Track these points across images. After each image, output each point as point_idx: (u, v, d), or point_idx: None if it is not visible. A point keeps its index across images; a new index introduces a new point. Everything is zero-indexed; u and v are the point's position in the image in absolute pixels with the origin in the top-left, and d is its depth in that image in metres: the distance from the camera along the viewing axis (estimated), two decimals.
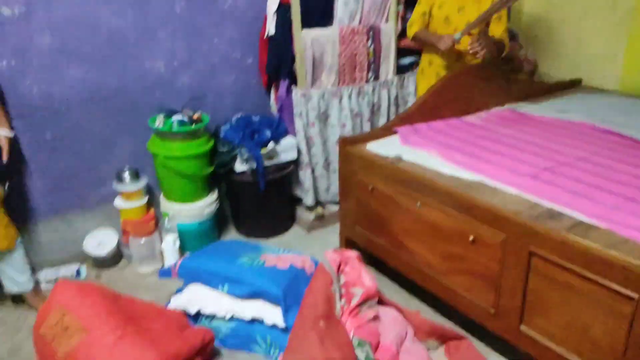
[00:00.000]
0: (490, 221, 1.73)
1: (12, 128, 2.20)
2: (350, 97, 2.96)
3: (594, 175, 1.91)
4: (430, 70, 2.79)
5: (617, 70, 3.36)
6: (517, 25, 3.80)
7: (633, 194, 1.76)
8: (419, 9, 2.67)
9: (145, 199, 2.63)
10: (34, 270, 2.34)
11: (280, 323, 1.92)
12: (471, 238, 1.80)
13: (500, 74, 3.05)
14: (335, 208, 3.03)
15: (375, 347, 1.82)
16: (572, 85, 3.35)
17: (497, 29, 2.57)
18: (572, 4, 3.53)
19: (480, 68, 2.96)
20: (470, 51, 2.40)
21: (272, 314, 1.94)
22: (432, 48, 2.66)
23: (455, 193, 1.86)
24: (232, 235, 2.97)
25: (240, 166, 2.69)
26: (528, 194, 1.79)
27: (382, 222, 2.25)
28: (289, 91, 2.90)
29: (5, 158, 2.11)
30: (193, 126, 2.53)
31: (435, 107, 2.62)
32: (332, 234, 2.82)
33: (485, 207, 1.74)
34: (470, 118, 2.67)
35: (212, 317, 2.04)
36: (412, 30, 2.70)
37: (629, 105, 2.90)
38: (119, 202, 2.60)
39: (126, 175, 2.56)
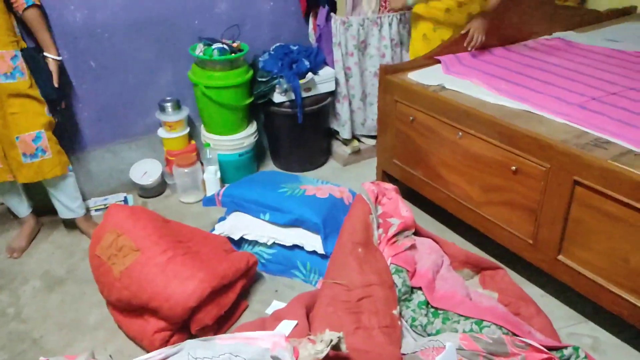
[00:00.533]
0: (534, 150, 1.71)
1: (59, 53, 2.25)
2: (390, 25, 2.87)
3: None
4: (435, 36, 2.54)
5: None
6: None
7: None
8: None
9: (187, 130, 2.68)
10: (83, 198, 2.46)
11: (320, 250, 1.99)
12: (513, 168, 1.79)
13: (549, 0, 2.90)
14: (371, 142, 3.03)
15: (412, 275, 1.88)
16: (625, 13, 3.15)
17: None
18: None
19: None
20: (470, 49, 2.38)
21: (312, 241, 2.01)
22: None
23: (499, 122, 1.83)
24: (270, 168, 3.02)
25: (279, 97, 2.69)
26: (575, 123, 1.75)
27: (421, 154, 2.25)
28: (328, 19, 2.83)
29: (56, 82, 2.17)
30: (233, 55, 2.53)
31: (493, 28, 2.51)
32: (368, 169, 2.84)
33: (530, 136, 1.72)
34: (517, 47, 2.57)
35: (254, 243, 2.12)
36: None
37: None
38: (162, 132, 2.66)
39: (168, 105, 2.60)
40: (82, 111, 2.55)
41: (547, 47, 2.56)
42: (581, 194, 1.60)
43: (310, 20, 2.98)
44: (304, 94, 2.74)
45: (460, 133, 2.00)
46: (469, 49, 2.41)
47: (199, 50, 2.53)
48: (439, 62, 2.37)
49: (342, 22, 2.75)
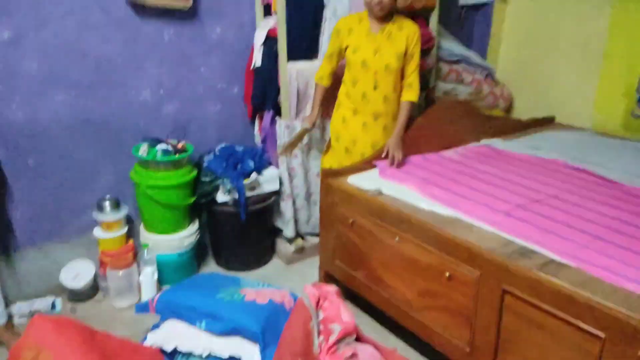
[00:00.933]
0: (465, 258, 1.78)
1: None
2: None
3: (565, 213, 1.98)
4: (355, 121, 2.62)
5: (589, 108, 3.49)
6: (494, 62, 3.94)
7: (602, 233, 1.83)
8: (327, 51, 2.60)
9: (124, 229, 2.62)
10: (7, 303, 2.29)
11: None
12: (447, 274, 1.84)
13: (477, 110, 3.16)
14: (315, 240, 3.05)
15: None
16: (546, 123, 3.47)
17: (409, 68, 2.55)
18: (546, 43, 3.68)
19: (457, 105, 3.07)
20: (395, 166, 2.46)
21: (250, 351, 1.93)
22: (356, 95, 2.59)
23: (433, 229, 1.91)
24: (211, 267, 2.96)
25: (222, 197, 2.71)
26: (502, 231, 1.84)
27: (361, 256, 2.28)
28: (273, 122, 2.94)
29: None
30: (177, 156, 2.55)
31: (414, 142, 2.69)
32: (311, 267, 2.84)
33: (461, 243, 1.79)
34: (448, 153, 2.74)
35: (188, 354, 2.02)
36: (317, 74, 2.63)
37: (601, 143, 3.01)
38: (98, 232, 2.58)
39: (107, 204, 2.55)
40: (15, 210, 2.46)
41: (476, 153, 2.75)
42: (511, 303, 1.65)
43: (256, 122, 3.10)
44: (248, 193, 2.77)
45: (397, 237, 2.05)
46: (393, 166, 2.47)
47: (143, 150, 2.54)
48: (374, 167, 2.49)
49: (286, 126, 2.87)
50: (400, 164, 2.49)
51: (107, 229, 2.57)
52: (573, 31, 3.51)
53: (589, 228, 1.86)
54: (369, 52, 2.48)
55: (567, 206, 2.05)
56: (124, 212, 2.62)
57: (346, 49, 2.51)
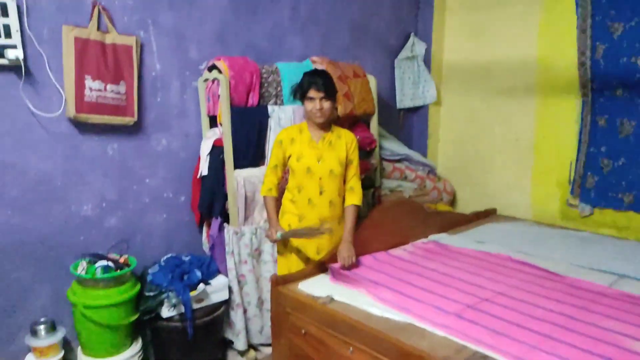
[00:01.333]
0: None
1: None
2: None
3: (514, 311, 1.99)
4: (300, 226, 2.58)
5: (527, 199, 3.68)
6: (434, 159, 4.14)
7: (550, 331, 1.84)
8: (269, 164, 2.60)
9: (60, 354, 2.42)
10: None
11: None
12: None
13: (422, 207, 3.26)
14: (269, 351, 2.91)
15: None
16: (488, 215, 3.60)
17: (350, 172, 2.62)
18: (480, 140, 3.93)
19: (402, 203, 3.16)
20: (349, 269, 2.46)
21: None
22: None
23: (386, 337, 1.85)
24: None
25: (167, 311, 2.58)
26: (454, 336, 1.82)
27: None
28: (221, 229, 2.91)
29: None
30: (118, 272, 2.44)
31: (363, 242, 2.70)
32: None
33: (414, 353, 1.74)
34: (397, 251, 2.76)
35: None
36: (263, 188, 2.58)
37: (541, 233, 3.14)
38: (31, 359, 2.37)
39: (41, 328, 2.37)
40: None
41: (424, 250, 2.79)
42: None
43: (204, 229, 3.05)
44: (196, 305, 2.65)
45: (351, 348, 1.98)
46: (346, 269, 2.46)
47: (82, 268, 2.42)
48: (326, 270, 2.46)
49: (234, 232, 2.84)
50: (353, 266, 2.48)
51: (41, 356, 2.37)
52: (503, 128, 3.78)
53: (538, 327, 1.87)
54: (313, 159, 2.54)
55: (515, 304, 2.07)
56: (60, 334, 2.44)
57: (289, 157, 2.57)
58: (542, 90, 3.53)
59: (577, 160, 3.38)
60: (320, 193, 2.56)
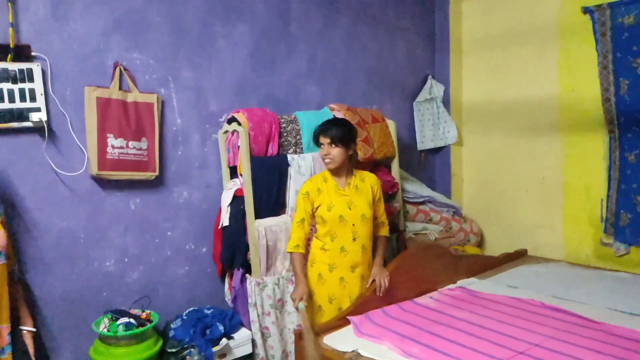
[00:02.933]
0: None
1: None
2: None
3: None
4: (332, 277, 2.58)
5: (558, 239, 3.55)
6: (459, 200, 4.06)
7: None
8: (295, 218, 2.56)
9: None
10: None
11: None
12: None
13: (449, 251, 3.17)
14: None
15: None
16: (519, 256, 3.48)
17: (379, 210, 2.70)
18: (506, 179, 3.85)
19: (429, 247, 3.07)
20: (381, 294, 2.53)
21: None
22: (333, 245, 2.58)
23: None
24: None
25: None
26: None
27: None
28: (243, 280, 2.87)
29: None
30: (140, 329, 2.41)
31: (390, 288, 2.63)
32: None
33: None
34: (424, 300, 2.67)
35: None
36: (289, 244, 2.54)
37: (575, 275, 3.01)
38: None
39: None
40: None
41: (452, 298, 2.68)
42: None
43: (226, 280, 3.02)
44: None
45: None
46: (379, 294, 2.52)
47: (104, 326, 2.40)
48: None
49: (257, 283, 2.80)
50: (387, 297, 2.52)
51: None
52: (529, 166, 3.70)
53: None
54: (344, 206, 2.54)
55: (553, 356, 1.96)
56: None
57: (317, 208, 2.55)
58: (567, 127, 3.46)
59: (608, 197, 3.27)
60: (354, 239, 2.56)
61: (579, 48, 3.33)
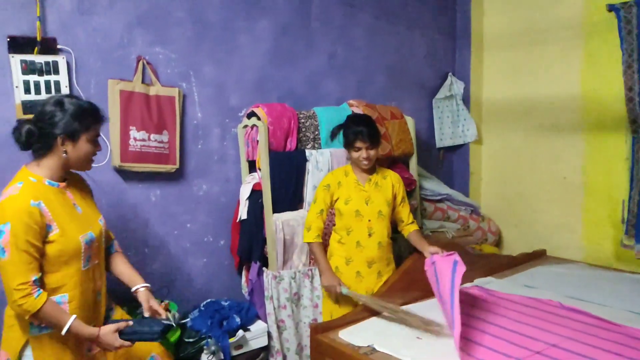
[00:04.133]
0: None
1: None
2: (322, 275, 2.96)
3: None
4: (349, 270, 2.60)
5: (577, 240, 3.51)
6: (477, 199, 4.03)
7: None
8: (314, 208, 2.58)
9: None
10: None
11: None
12: None
13: (466, 250, 3.15)
14: None
15: None
16: (537, 256, 3.44)
17: (404, 211, 2.70)
18: (525, 179, 3.81)
19: (446, 245, 3.05)
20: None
21: None
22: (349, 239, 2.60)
23: None
24: None
25: (206, 358, 2.55)
26: None
27: None
28: (260, 273, 2.90)
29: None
30: (165, 321, 2.44)
31: (406, 287, 2.63)
32: None
33: None
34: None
35: None
36: (309, 234, 2.56)
37: (594, 277, 2.96)
38: None
39: None
40: None
41: (469, 297, 2.67)
42: None
43: (244, 273, 3.05)
44: (235, 352, 2.62)
45: None
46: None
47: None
48: (369, 316, 2.39)
49: (273, 276, 2.82)
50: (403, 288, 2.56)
51: None
52: (549, 166, 3.66)
53: None
54: (361, 202, 2.56)
55: (570, 357, 1.94)
56: None
57: (336, 200, 2.58)
58: (589, 126, 3.41)
59: (630, 198, 3.21)
60: (369, 235, 2.56)
61: (603, 46, 3.28)
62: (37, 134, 1.75)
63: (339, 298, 2.57)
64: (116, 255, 2.15)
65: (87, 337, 1.78)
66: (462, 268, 2.28)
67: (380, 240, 2.60)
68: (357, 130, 2.49)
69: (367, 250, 2.58)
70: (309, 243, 2.60)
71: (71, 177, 1.93)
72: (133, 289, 2.05)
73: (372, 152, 2.51)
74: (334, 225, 2.68)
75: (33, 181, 1.76)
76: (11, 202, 1.68)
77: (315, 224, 2.56)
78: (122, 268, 2.11)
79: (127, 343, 1.82)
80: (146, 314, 1.99)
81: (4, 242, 1.64)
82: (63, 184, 1.85)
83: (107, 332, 1.79)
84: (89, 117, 1.82)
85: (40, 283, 1.72)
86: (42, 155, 1.79)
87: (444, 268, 2.34)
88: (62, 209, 1.79)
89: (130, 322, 1.87)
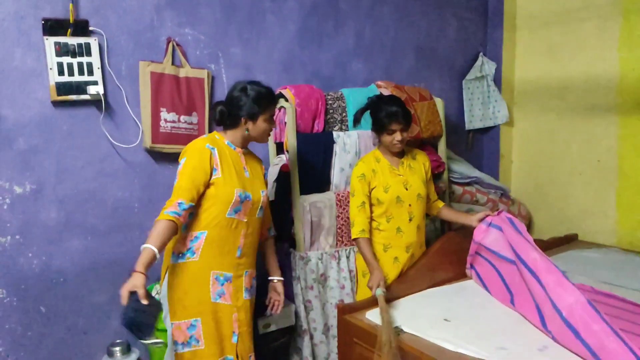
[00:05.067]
0: None
1: None
2: (348, 257, 2.97)
3: None
4: (386, 257, 2.57)
5: (611, 224, 3.42)
6: (507, 182, 3.96)
7: None
8: (354, 202, 2.53)
9: None
10: None
11: None
12: None
13: None
14: None
15: None
16: (569, 241, 3.37)
17: (431, 189, 2.72)
18: (557, 162, 3.72)
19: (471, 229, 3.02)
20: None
21: None
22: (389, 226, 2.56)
23: None
24: None
25: None
26: None
27: None
28: (287, 254, 2.92)
29: None
30: None
31: (432, 269, 2.62)
32: None
33: None
34: (469, 282, 2.64)
35: None
36: (354, 230, 2.50)
37: (627, 262, 2.90)
38: None
39: (117, 349, 2.47)
40: (23, 358, 2.39)
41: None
42: None
43: None
44: (263, 331, 2.66)
45: None
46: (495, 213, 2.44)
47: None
48: (396, 298, 2.39)
49: (300, 257, 2.84)
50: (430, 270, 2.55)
51: None
52: (583, 149, 3.56)
53: None
54: (401, 187, 2.52)
55: None
56: (134, 356, 2.52)
57: (373, 189, 2.53)
58: (625, 108, 3.29)
59: None
60: (410, 220, 2.54)
61: None
62: (227, 114, 2.18)
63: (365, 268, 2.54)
64: (271, 239, 2.54)
65: (137, 265, 1.94)
66: (521, 225, 2.26)
67: (419, 224, 2.58)
68: (392, 112, 2.43)
69: (407, 235, 2.55)
70: (355, 239, 2.53)
71: (249, 152, 2.33)
72: (269, 278, 2.46)
73: (405, 135, 2.47)
74: (370, 213, 2.57)
75: (216, 138, 2.20)
76: (192, 144, 2.15)
77: (358, 219, 2.49)
78: (268, 253, 2.51)
79: (145, 300, 1.89)
80: (275, 302, 2.46)
81: (178, 171, 2.08)
82: (240, 150, 2.24)
83: (142, 278, 1.91)
84: (265, 100, 2.18)
85: (186, 211, 2.03)
86: (230, 128, 2.22)
87: (506, 227, 2.28)
88: (231, 163, 2.17)
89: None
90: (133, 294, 1.86)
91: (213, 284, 2.14)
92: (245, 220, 2.21)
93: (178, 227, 2.02)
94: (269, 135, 2.30)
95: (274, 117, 2.21)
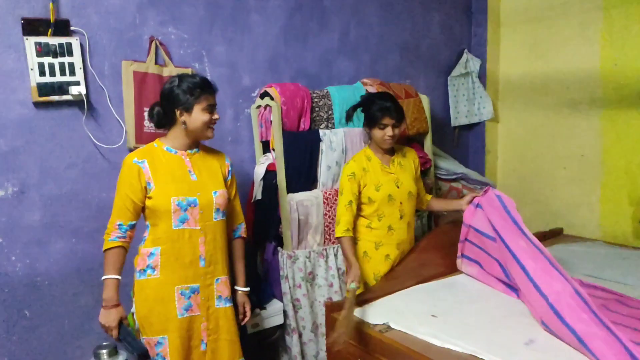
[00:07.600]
0: None
1: None
2: (336, 255, 2.97)
3: None
4: (378, 254, 2.57)
5: (595, 218, 3.46)
6: (493, 178, 3.99)
7: None
8: (342, 201, 2.49)
9: None
10: None
11: None
12: None
13: None
14: None
15: None
16: (554, 235, 3.40)
17: (420, 185, 2.73)
18: (542, 157, 3.76)
19: (460, 225, 3.04)
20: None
21: None
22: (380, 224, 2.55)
23: None
24: None
25: None
26: None
27: None
28: (274, 253, 2.91)
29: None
30: None
31: (420, 265, 2.63)
32: None
33: None
34: (457, 277, 2.65)
35: None
36: (338, 229, 2.47)
37: (612, 255, 2.93)
38: None
39: (104, 352, 2.44)
40: None
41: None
42: None
43: (258, 254, 3.07)
44: (251, 330, 2.66)
45: None
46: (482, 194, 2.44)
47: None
48: (384, 294, 2.39)
49: (288, 255, 2.84)
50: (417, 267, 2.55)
51: None
52: (567, 143, 3.60)
53: None
54: (392, 185, 2.52)
55: None
56: (121, 358, 2.49)
57: (364, 187, 2.51)
58: (608, 102, 3.33)
59: None
60: (401, 217, 2.55)
61: (624, 19, 3.19)
62: (162, 112, 2.09)
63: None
64: (237, 242, 2.36)
65: (103, 298, 2.01)
66: (510, 201, 2.26)
67: (409, 221, 2.59)
68: (385, 107, 2.43)
69: (398, 232, 2.56)
70: (338, 238, 2.51)
71: (205, 151, 2.22)
72: (235, 287, 2.32)
73: (396, 131, 2.47)
74: (361, 211, 2.57)
75: (154, 146, 2.10)
76: (124, 160, 2.07)
77: (344, 218, 2.47)
78: (234, 258, 2.34)
79: (115, 333, 2.01)
80: (240, 316, 2.31)
81: (116, 186, 2.04)
82: (184, 152, 2.12)
83: (116, 311, 2.00)
84: (198, 89, 2.04)
85: (129, 231, 2.05)
86: (169, 128, 2.12)
87: (495, 207, 2.29)
88: (166, 171, 2.06)
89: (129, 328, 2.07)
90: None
91: (179, 300, 2.06)
92: (199, 227, 2.08)
93: (127, 248, 2.07)
94: (211, 128, 2.12)
95: (215, 108, 2.11)
